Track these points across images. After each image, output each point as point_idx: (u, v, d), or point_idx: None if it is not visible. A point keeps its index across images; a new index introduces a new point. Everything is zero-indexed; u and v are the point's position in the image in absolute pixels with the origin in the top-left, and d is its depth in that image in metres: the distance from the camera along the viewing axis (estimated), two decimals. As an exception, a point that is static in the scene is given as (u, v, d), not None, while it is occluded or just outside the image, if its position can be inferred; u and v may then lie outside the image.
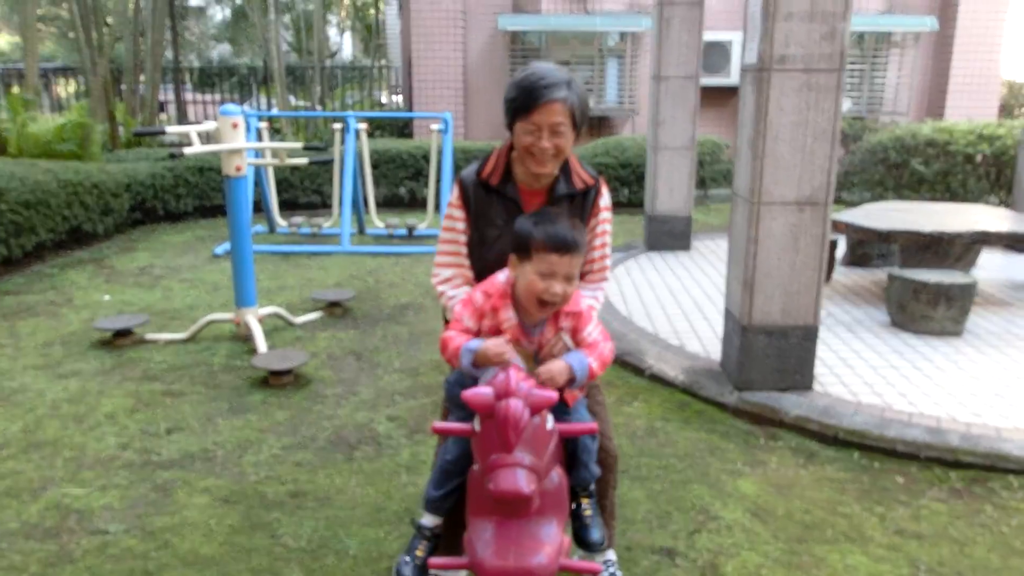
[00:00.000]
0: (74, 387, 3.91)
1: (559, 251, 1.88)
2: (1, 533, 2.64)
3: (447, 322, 2.15)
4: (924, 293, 4.60)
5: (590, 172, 2.18)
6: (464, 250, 2.18)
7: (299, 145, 4.97)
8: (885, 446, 3.28)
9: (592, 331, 2.00)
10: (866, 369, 4.09)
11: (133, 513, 2.77)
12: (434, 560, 2.25)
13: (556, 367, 1.90)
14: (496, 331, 1.97)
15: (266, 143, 6.95)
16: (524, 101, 1.98)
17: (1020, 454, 3.16)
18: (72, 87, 14.94)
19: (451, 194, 2.20)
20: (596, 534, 2.12)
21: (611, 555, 2.41)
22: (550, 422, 1.85)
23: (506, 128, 2.07)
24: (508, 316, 1.96)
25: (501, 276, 2.01)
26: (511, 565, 1.75)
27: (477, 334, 1.97)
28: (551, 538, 1.81)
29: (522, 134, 2.01)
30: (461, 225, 2.16)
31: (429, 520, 2.11)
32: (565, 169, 2.13)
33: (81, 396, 3.80)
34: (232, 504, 2.84)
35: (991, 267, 6.36)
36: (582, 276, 2.18)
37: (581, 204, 2.16)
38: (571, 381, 1.92)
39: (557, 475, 1.92)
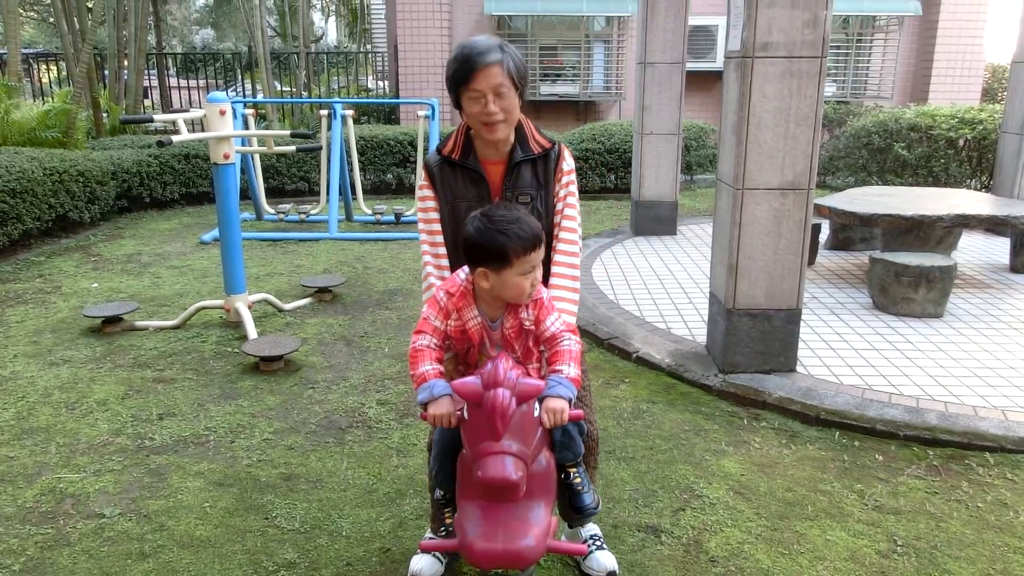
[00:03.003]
0: (65, 374, 3.92)
1: (535, 248, 1.91)
2: (-3, 518, 2.67)
3: None
4: (905, 276, 4.68)
5: (547, 136, 2.22)
6: (437, 228, 2.22)
7: (287, 132, 4.97)
8: (865, 425, 3.36)
9: (554, 322, 2.00)
10: (848, 351, 4.17)
11: (128, 497, 2.81)
12: (426, 542, 2.30)
13: (555, 406, 1.90)
14: (462, 330, 2.01)
15: (253, 131, 6.93)
16: (463, 71, 2.02)
17: (997, 432, 3.25)
18: (54, 73, 14.76)
19: (419, 178, 2.25)
20: (588, 499, 2.16)
21: (596, 530, 2.48)
22: (537, 410, 1.89)
23: (454, 107, 2.11)
24: (472, 316, 2.00)
25: (462, 274, 2.02)
26: (499, 547, 1.80)
27: (445, 333, 2.01)
28: (539, 521, 1.86)
29: (469, 105, 2.06)
30: (431, 204, 2.21)
31: (440, 493, 2.21)
32: (520, 137, 2.17)
33: (72, 383, 3.82)
34: (226, 487, 2.88)
35: (972, 250, 6.46)
36: (553, 246, 2.20)
37: (543, 168, 2.19)
38: (571, 402, 1.95)
39: (544, 459, 1.97)
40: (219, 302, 4.68)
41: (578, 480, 2.16)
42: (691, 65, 10.68)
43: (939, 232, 5.51)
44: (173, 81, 15.75)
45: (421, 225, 2.25)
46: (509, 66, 2.03)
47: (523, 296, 1.96)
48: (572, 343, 2.00)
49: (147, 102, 14.04)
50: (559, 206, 2.21)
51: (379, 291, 5.45)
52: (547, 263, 2.15)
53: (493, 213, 1.93)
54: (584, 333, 4.41)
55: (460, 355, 2.10)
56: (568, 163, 2.22)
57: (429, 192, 2.21)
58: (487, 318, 2.02)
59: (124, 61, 11.01)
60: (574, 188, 2.23)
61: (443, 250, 2.23)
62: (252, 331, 4.38)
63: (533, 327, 2.02)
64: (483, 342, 2.02)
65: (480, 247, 1.90)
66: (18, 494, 2.82)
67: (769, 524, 2.69)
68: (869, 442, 3.28)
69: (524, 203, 2.15)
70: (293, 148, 5.11)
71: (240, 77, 15.38)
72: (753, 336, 3.83)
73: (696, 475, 3.01)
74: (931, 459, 3.14)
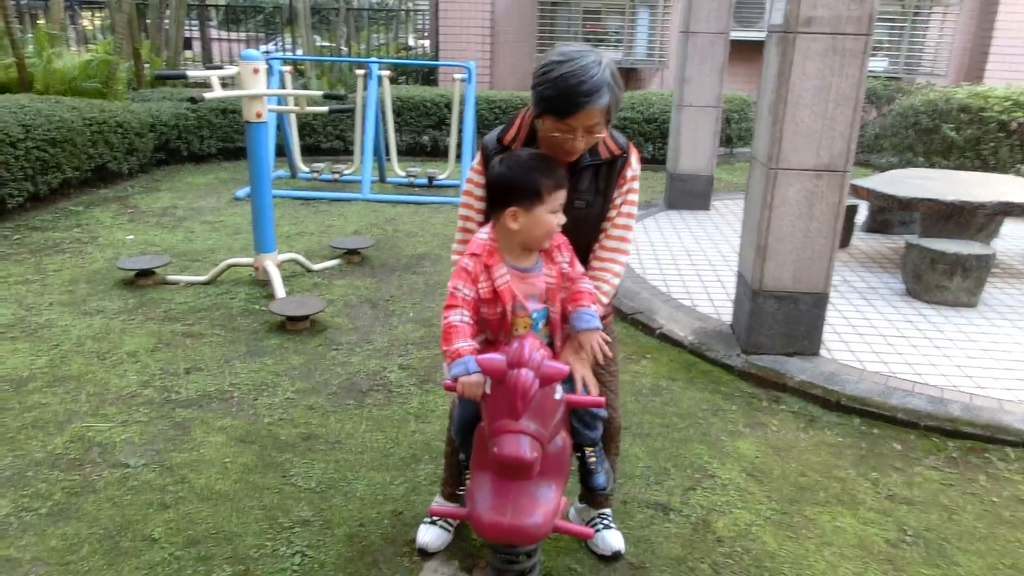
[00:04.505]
0: (98, 324, 4.04)
1: (563, 184, 1.96)
2: (28, 462, 2.78)
3: None
4: (940, 263, 4.57)
5: (618, 141, 2.08)
6: (477, 217, 2.15)
7: (320, 93, 4.97)
8: (886, 413, 3.32)
9: (579, 267, 2.08)
10: (875, 337, 4.11)
11: (152, 448, 2.91)
12: (435, 507, 2.35)
13: (590, 340, 2.01)
14: (492, 291, 1.97)
15: (287, 90, 6.95)
16: (562, 106, 1.85)
17: (1020, 427, 3.19)
18: (98, 20, 14.90)
19: (473, 159, 2.16)
20: (601, 479, 2.18)
21: (606, 509, 2.51)
22: (559, 392, 1.90)
23: (533, 113, 1.96)
24: (501, 274, 1.97)
25: (482, 235, 2.01)
26: (506, 522, 1.83)
27: (476, 302, 1.99)
28: (548, 500, 1.88)
29: (553, 129, 1.92)
30: (479, 191, 2.12)
31: (463, 456, 2.23)
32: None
33: (105, 334, 3.93)
34: (247, 444, 2.96)
35: (1015, 238, 6.27)
36: (602, 244, 2.14)
37: (607, 174, 2.08)
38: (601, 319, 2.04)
39: (561, 440, 1.99)
40: (249, 260, 4.76)
41: (593, 460, 2.18)
42: (737, 34, 10.39)
43: (980, 219, 5.35)
44: (214, 33, 15.81)
45: (462, 210, 2.17)
46: (611, 104, 1.88)
47: (548, 238, 1.99)
48: (591, 285, 2.09)
49: (188, 53, 14.13)
50: (612, 213, 2.12)
51: (407, 255, 5.48)
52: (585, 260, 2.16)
53: (520, 155, 1.98)
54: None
55: (488, 330, 2.07)
56: (633, 169, 2.11)
57: (480, 179, 2.11)
58: (520, 269, 2.00)
59: (166, 11, 11.06)
60: (634, 197, 2.13)
61: (476, 228, 2.18)
62: (280, 290, 4.45)
63: (571, 270, 2.06)
64: (516, 301, 1.99)
65: (513, 184, 1.93)
66: (48, 440, 2.93)
67: (779, 508, 2.69)
68: (889, 430, 3.24)
69: (579, 208, 2.07)
70: (326, 109, 5.11)
71: (281, 31, 15.38)
72: (778, 318, 3.79)
73: (710, 455, 3.01)
74: (950, 451, 3.10)
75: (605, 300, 2.13)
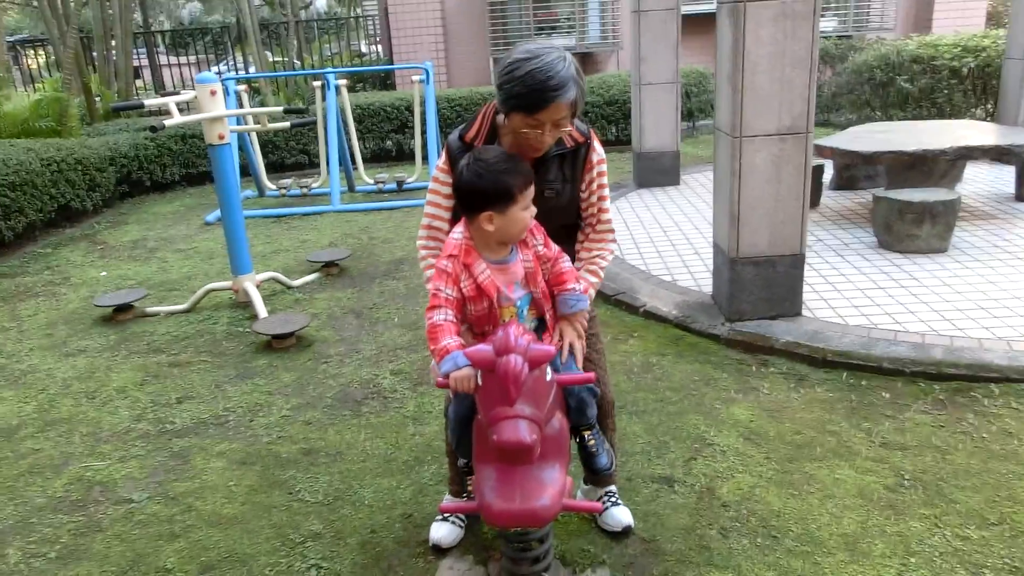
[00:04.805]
0: (82, 364, 4.00)
1: (532, 180, 1.98)
2: (30, 509, 2.76)
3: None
4: (908, 212, 4.66)
5: (580, 129, 2.12)
6: (444, 215, 2.18)
7: (280, 109, 4.95)
8: (872, 364, 3.39)
9: (554, 246, 2.11)
10: (854, 291, 4.19)
11: (154, 481, 2.90)
12: (445, 504, 2.38)
13: (574, 329, 2.07)
14: (476, 287, 2.00)
15: (247, 109, 6.90)
16: (531, 102, 1.89)
17: (1002, 363, 3.28)
18: (42, 59, 14.65)
19: (439, 158, 2.18)
20: (603, 460, 2.22)
21: (612, 487, 2.54)
22: (549, 374, 1.93)
23: (500, 111, 2.01)
24: (482, 270, 2.00)
25: (456, 235, 2.03)
26: (516, 508, 1.86)
27: (461, 300, 2.01)
28: (554, 481, 1.92)
29: (522, 125, 1.95)
30: (445, 190, 2.15)
31: (463, 462, 2.24)
32: None
33: (90, 373, 3.89)
34: (248, 465, 2.96)
35: (977, 181, 6.41)
36: (584, 232, 2.25)
37: (572, 162, 2.14)
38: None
39: (558, 421, 2.02)
40: (227, 284, 4.73)
41: (592, 442, 2.22)
42: (688, 8, 10.48)
43: (943, 166, 5.47)
44: (163, 59, 15.61)
45: (429, 208, 2.19)
46: (577, 97, 1.92)
47: (523, 231, 2.01)
48: (570, 264, 2.13)
49: (139, 83, 13.95)
50: (592, 199, 2.20)
51: (385, 261, 5.48)
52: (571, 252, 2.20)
53: (485, 156, 1.96)
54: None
55: (475, 325, 2.10)
56: (598, 153, 2.18)
57: (447, 177, 2.13)
58: (497, 262, 2.03)
59: (112, 42, 10.90)
60: (605, 179, 2.21)
61: (443, 237, 2.19)
62: (262, 310, 4.43)
63: (546, 250, 2.08)
64: (500, 292, 2.02)
65: (484, 191, 1.93)
66: (47, 485, 2.91)
67: (779, 467, 2.75)
68: (876, 380, 3.31)
69: (549, 196, 2.11)
70: (288, 124, 5.09)
71: (231, 50, 15.22)
72: (758, 283, 3.85)
73: (707, 424, 3.06)
74: (937, 393, 3.18)
75: (595, 280, 2.20)
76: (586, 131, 2.15)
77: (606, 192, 2.22)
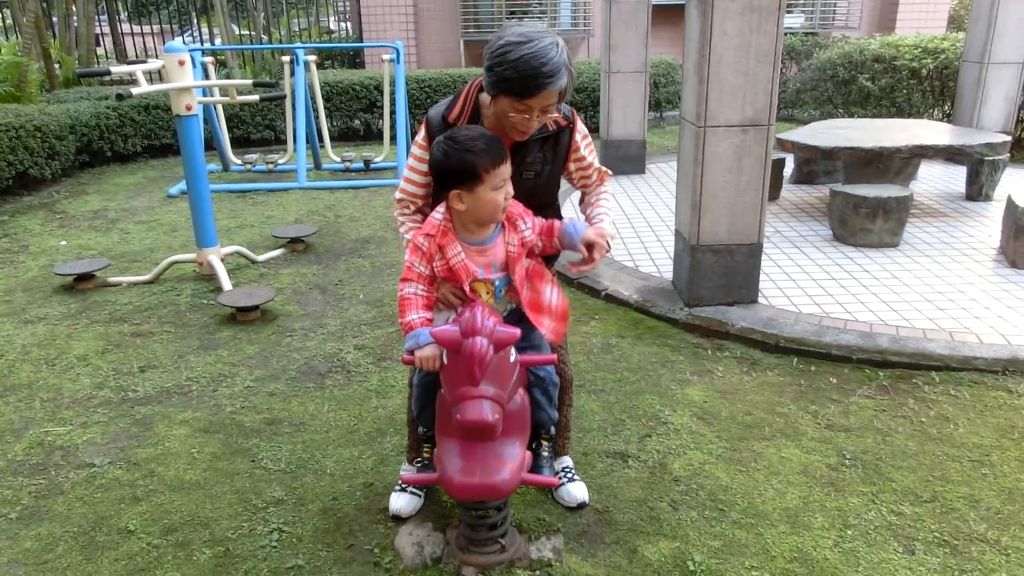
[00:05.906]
0: (42, 332, 3.96)
1: (503, 160, 1.95)
2: (-12, 472, 2.75)
3: None
4: (863, 207, 4.83)
5: (563, 111, 2.13)
6: (420, 191, 2.21)
7: (249, 82, 4.92)
8: (821, 351, 3.53)
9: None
10: (808, 282, 4.33)
11: (116, 446, 2.91)
12: (406, 475, 2.44)
13: (603, 231, 2.12)
14: (448, 269, 2.04)
15: (214, 80, 6.81)
16: (522, 88, 1.88)
17: (943, 352, 3.45)
18: (0, 22, 14.17)
19: (417, 134, 2.18)
20: (544, 472, 2.41)
21: (568, 462, 2.63)
22: (513, 355, 1.99)
23: (487, 90, 1.99)
24: (455, 252, 2.02)
25: (436, 215, 2.05)
26: (476, 481, 1.93)
27: (431, 278, 2.07)
28: (513, 456, 1.99)
29: (509, 109, 1.95)
30: (422, 167, 2.15)
31: (422, 430, 2.34)
32: None
33: (51, 340, 3.86)
34: (211, 434, 2.98)
35: (930, 179, 6.64)
36: (585, 188, 2.35)
37: (554, 145, 2.16)
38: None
39: (520, 398, 2.09)
40: (191, 256, 4.70)
41: (545, 455, 2.40)
42: (657, -1, 10.57)
43: (898, 163, 5.65)
44: (125, 27, 15.21)
45: (405, 184, 2.21)
46: (567, 85, 1.91)
47: (498, 212, 2.00)
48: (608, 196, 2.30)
49: (99, 51, 13.59)
50: (589, 171, 2.29)
51: (352, 239, 5.49)
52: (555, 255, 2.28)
53: (457, 135, 1.95)
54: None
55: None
56: (581, 131, 2.22)
57: (424, 154, 2.13)
58: (474, 243, 2.05)
59: (72, 7, 10.61)
60: (591, 148, 2.28)
61: (417, 204, 2.24)
62: (226, 283, 4.42)
63: (536, 238, 2.10)
64: (473, 275, 2.04)
65: (450, 169, 1.93)
66: (7, 448, 2.90)
67: (729, 445, 2.86)
68: (824, 366, 3.46)
69: (528, 178, 2.14)
70: (256, 97, 5.06)
71: (196, 21, 14.90)
72: (717, 271, 3.97)
73: (662, 404, 3.17)
74: (881, 380, 3.33)
75: (611, 230, 2.23)
76: (568, 114, 2.17)
77: (595, 158, 2.30)
